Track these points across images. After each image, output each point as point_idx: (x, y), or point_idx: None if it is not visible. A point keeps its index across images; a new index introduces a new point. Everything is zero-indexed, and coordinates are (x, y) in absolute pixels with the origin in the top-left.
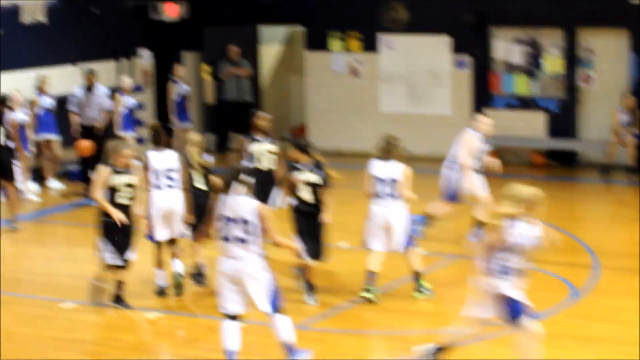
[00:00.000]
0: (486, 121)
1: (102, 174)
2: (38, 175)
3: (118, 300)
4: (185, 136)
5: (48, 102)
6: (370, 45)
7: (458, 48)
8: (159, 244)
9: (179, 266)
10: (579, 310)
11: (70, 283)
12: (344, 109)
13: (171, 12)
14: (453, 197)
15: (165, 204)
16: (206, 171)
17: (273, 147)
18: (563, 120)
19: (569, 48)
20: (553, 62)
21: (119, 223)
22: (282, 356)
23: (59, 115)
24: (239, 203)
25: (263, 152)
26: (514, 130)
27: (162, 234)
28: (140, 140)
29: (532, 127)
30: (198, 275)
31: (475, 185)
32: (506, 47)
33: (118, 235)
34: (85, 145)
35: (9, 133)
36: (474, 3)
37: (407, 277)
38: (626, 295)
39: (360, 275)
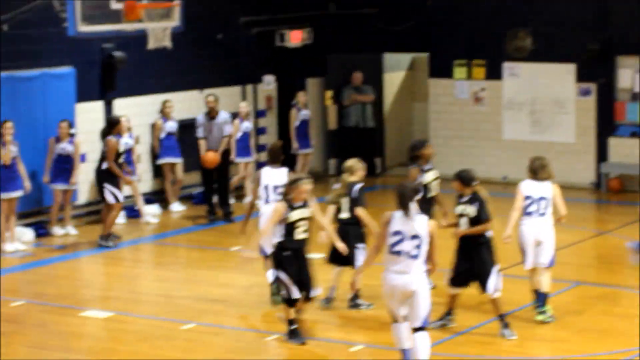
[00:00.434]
0: None
1: (279, 211)
2: (160, 198)
3: (293, 334)
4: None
5: (171, 126)
6: (494, 73)
7: (582, 76)
8: (267, 257)
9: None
10: None
11: (189, 305)
12: (466, 136)
13: (295, 39)
14: None
15: None
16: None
17: (438, 174)
18: None
19: None
20: None
21: (343, 252)
22: None
23: (182, 139)
24: (414, 220)
25: (431, 181)
26: (638, 159)
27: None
28: (260, 165)
29: None
30: (352, 301)
31: None
32: (631, 75)
33: (299, 270)
34: (211, 157)
35: (106, 156)
36: (599, 31)
37: (524, 303)
38: None
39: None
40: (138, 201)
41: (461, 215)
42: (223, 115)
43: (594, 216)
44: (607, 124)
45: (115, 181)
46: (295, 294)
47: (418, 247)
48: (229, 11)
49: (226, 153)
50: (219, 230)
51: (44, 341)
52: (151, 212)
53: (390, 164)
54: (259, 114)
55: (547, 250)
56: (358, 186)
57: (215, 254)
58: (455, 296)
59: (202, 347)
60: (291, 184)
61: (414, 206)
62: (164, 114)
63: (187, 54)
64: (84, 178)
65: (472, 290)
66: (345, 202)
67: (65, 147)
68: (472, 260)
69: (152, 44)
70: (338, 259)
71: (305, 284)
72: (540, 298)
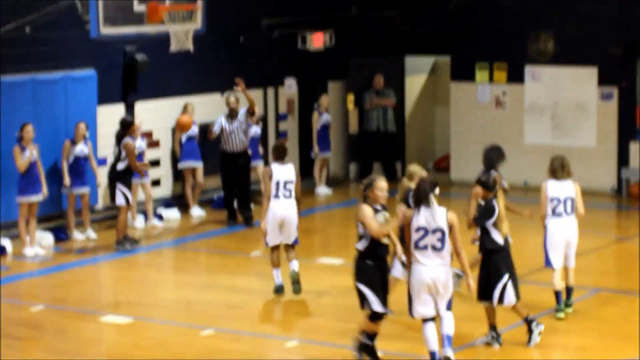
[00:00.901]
0: None
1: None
2: (180, 203)
3: (364, 349)
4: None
5: (192, 130)
6: (515, 77)
7: (604, 80)
8: (274, 248)
9: (295, 265)
10: None
11: (209, 310)
12: (487, 139)
13: (317, 42)
14: None
15: (281, 213)
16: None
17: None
18: None
19: None
20: None
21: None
22: None
23: (202, 143)
24: (434, 213)
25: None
26: None
27: (275, 240)
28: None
29: None
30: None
31: None
32: None
33: (382, 282)
34: (186, 120)
35: (122, 156)
36: (621, 35)
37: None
38: None
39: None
40: (148, 205)
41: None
42: (242, 112)
43: (614, 222)
44: (628, 129)
45: (128, 183)
46: (378, 307)
47: (441, 239)
48: (251, 14)
49: (247, 157)
50: (239, 235)
51: (62, 346)
52: (170, 216)
53: None
54: (281, 117)
55: (574, 250)
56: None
57: (235, 259)
58: (488, 309)
59: (220, 353)
60: (368, 185)
61: (433, 200)
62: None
63: (209, 56)
64: (103, 182)
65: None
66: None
67: (82, 148)
68: (487, 269)
69: (174, 47)
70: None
71: (385, 298)
72: (568, 292)
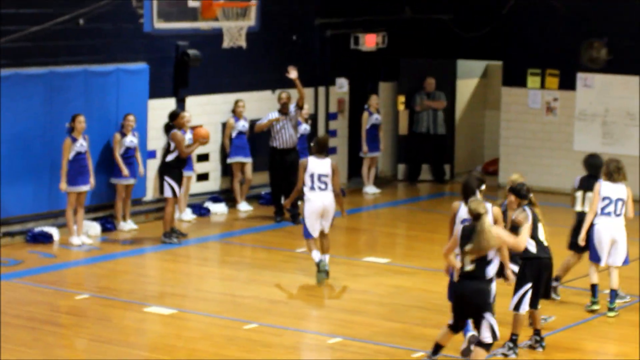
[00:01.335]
0: None
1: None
2: (228, 197)
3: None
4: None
5: (242, 126)
6: (567, 83)
7: None
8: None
9: (326, 258)
10: None
11: (253, 304)
12: (537, 145)
13: (370, 42)
14: None
15: (319, 204)
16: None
17: None
18: None
19: None
20: None
21: None
22: None
23: (252, 139)
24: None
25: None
26: None
27: (316, 230)
28: None
29: None
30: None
31: None
32: None
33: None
34: (204, 132)
35: (170, 147)
36: None
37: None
38: None
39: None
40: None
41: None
42: (292, 107)
43: None
44: None
45: (176, 175)
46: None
47: None
48: (304, 12)
49: (296, 153)
50: (285, 231)
51: (106, 335)
52: (218, 210)
53: (460, 171)
54: (331, 116)
55: (621, 250)
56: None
57: (280, 255)
58: (531, 314)
59: (263, 347)
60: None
61: (478, 194)
62: (236, 113)
63: (261, 54)
64: (153, 174)
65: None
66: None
67: (132, 140)
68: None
69: (227, 43)
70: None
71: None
72: (612, 295)
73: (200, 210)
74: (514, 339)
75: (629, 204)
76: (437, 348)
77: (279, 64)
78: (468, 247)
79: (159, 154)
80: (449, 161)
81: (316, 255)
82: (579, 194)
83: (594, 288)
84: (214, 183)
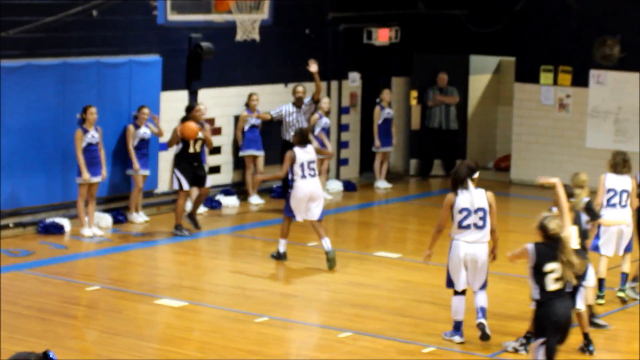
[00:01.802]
0: None
1: None
2: (240, 190)
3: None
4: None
5: (255, 119)
6: (580, 80)
7: None
8: (289, 219)
9: (328, 243)
10: None
11: (263, 298)
12: (549, 142)
13: (383, 37)
14: None
15: (308, 190)
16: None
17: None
18: None
19: None
20: None
21: None
22: None
23: (264, 133)
24: (474, 195)
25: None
26: None
27: (302, 216)
28: (343, 162)
29: None
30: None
31: None
32: None
33: None
34: (193, 128)
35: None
36: None
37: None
38: None
39: None
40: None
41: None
42: (306, 101)
43: None
44: None
45: (185, 168)
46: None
47: (482, 218)
48: (317, 6)
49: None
50: (297, 225)
51: (116, 326)
52: (230, 203)
53: None
54: (343, 110)
55: (627, 240)
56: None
57: (292, 248)
58: (578, 315)
59: (274, 340)
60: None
61: (470, 183)
62: (250, 106)
63: (274, 47)
64: (165, 166)
65: None
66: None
67: (146, 131)
68: None
69: (240, 36)
70: None
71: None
72: (623, 277)
73: (211, 203)
74: (586, 339)
75: (633, 195)
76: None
77: (291, 58)
78: (552, 267)
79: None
80: (461, 156)
81: (283, 244)
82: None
83: (600, 282)
84: (226, 176)
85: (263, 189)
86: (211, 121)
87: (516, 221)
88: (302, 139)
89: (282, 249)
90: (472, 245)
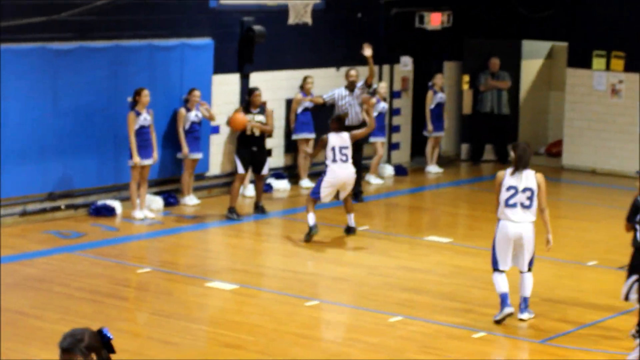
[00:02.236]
0: None
1: None
2: (291, 174)
3: None
4: None
5: (309, 102)
6: (633, 66)
7: None
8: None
9: (352, 219)
10: None
11: (314, 281)
12: (601, 127)
13: (435, 21)
14: None
15: (343, 175)
16: None
17: None
18: None
19: None
20: None
21: None
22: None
23: (315, 116)
24: (525, 175)
25: None
26: None
27: (329, 197)
28: (394, 146)
29: None
30: None
31: None
32: None
33: None
34: (241, 119)
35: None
36: None
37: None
38: None
39: (605, 295)
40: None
41: None
42: (359, 85)
43: None
44: None
45: (242, 152)
46: None
47: (530, 198)
48: None
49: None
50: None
51: (167, 308)
52: (281, 187)
53: None
54: (395, 94)
55: None
56: None
57: (342, 232)
58: None
59: (324, 324)
60: None
61: (525, 164)
62: (305, 89)
63: (326, 31)
64: (216, 150)
65: (585, 285)
66: None
67: (197, 114)
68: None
69: (292, 20)
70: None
71: None
72: None
73: (263, 187)
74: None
75: None
76: None
77: (343, 42)
78: None
79: (222, 130)
80: (513, 141)
81: (312, 218)
82: None
83: None
84: (278, 159)
85: (314, 172)
86: (263, 104)
87: (567, 207)
88: (339, 125)
89: (312, 222)
90: (518, 225)
